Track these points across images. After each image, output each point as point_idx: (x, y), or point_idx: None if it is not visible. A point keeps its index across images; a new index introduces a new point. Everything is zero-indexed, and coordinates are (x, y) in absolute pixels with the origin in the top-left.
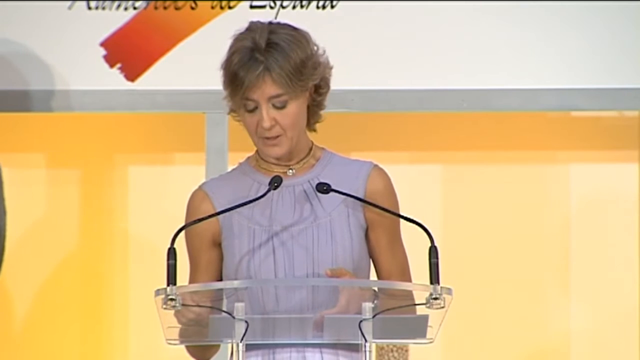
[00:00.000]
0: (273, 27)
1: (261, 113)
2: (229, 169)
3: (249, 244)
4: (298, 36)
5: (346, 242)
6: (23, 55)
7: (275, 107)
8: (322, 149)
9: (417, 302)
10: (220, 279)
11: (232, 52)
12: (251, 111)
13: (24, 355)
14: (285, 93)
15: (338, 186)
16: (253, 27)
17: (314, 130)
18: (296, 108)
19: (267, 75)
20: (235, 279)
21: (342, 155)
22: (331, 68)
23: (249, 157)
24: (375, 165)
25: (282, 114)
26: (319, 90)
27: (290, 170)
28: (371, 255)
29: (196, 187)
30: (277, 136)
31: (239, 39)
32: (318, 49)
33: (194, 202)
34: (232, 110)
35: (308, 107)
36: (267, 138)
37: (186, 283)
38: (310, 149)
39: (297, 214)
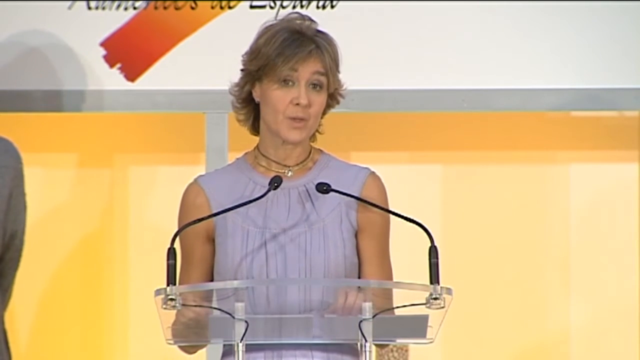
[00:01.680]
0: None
1: (299, 90)
2: (222, 167)
3: (242, 244)
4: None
5: (339, 247)
6: (22, 55)
7: (313, 87)
8: (320, 151)
9: (417, 302)
10: (212, 275)
11: (271, 34)
12: (287, 86)
13: (24, 354)
14: (325, 74)
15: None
16: (296, 16)
17: (314, 142)
18: (324, 99)
19: (318, 53)
20: (230, 279)
21: (339, 158)
22: (344, 84)
23: (246, 153)
24: (372, 172)
25: (316, 98)
26: (334, 97)
27: (289, 172)
28: (359, 264)
29: (191, 180)
30: (303, 119)
31: (276, 26)
32: None
33: (188, 195)
34: (242, 101)
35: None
36: (294, 119)
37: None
38: (309, 152)
39: (292, 217)
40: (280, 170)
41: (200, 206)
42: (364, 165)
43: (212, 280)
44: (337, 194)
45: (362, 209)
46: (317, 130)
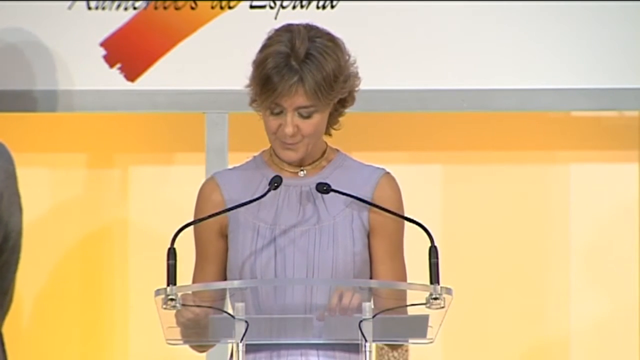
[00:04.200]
0: (312, 34)
1: (286, 119)
2: (240, 164)
3: (252, 240)
4: (334, 47)
5: (348, 246)
6: (22, 55)
7: (300, 116)
8: (337, 150)
9: (417, 302)
10: (226, 270)
11: (267, 54)
12: (275, 114)
13: (24, 354)
14: (313, 105)
15: (346, 190)
16: (294, 29)
17: (330, 135)
18: (320, 119)
19: (300, 87)
20: (237, 276)
21: (355, 159)
22: (360, 79)
23: (263, 151)
24: (387, 173)
25: (306, 123)
26: (345, 103)
27: (302, 172)
28: (370, 263)
29: (209, 175)
30: (296, 142)
31: (276, 39)
32: (349, 58)
33: (204, 191)
34: (254, 101)
35: (330, 115)
36: (285, 142)
37: (186, 283)
38: (324, 152)
39: (302, 215)
40: (293, 170)
41: (215, 202)
42: (380, 166)
43: (226, 276)
44: (350, 192)
45: (375, 208)
46: (333, 128)
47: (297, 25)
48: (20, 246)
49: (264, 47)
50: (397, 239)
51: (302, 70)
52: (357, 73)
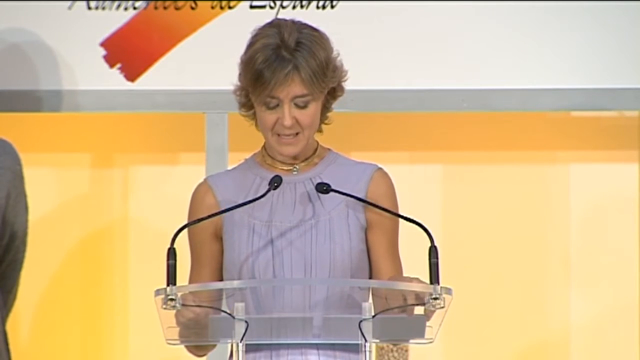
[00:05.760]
0: (298, 26)
1: (283, 111)
2: (232, 167)
3: (249, 239)
4: (321, 37)
5: (345, 242)
6: (22, 55)
7: (297, 106)
8: (328, 149)
9: (416, 302)
10: (222, 272)
11: (256, 49)
12: (271, 108)
13: (24, 355)
14: (310, 93)
15: (339, 186)
16: (280, 23)
17: (320, 132)
18: (315, 108)
19: (295, 75)
20: (236, 276)
21: (347, 157)
22: (346, 72)
23: (255, 153)
24: (380, 169)
25: (303, 113)
26: (335, 93)
27: (295, 169)
28: (370, 259)
29: (201, 179)
30: (294, 134)
31: (262, 35)
32: (333, 51)
33: (197, 194)
34: (242, 106)
35: (321, 108)
36: (283, 136)
37: (186, 283)
38: (316, 149)
39: (297, 212)
40: (286, 168)
41: (209, 205)
42: (372, 162)
43: (222, 278)
44: (344, 188)
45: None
46: (324, 122)
47: (282, 19)
48: (26, 246)
49: (251, 45)
50: (394, 235)
51: (296, 58)
52: (342, 66)
